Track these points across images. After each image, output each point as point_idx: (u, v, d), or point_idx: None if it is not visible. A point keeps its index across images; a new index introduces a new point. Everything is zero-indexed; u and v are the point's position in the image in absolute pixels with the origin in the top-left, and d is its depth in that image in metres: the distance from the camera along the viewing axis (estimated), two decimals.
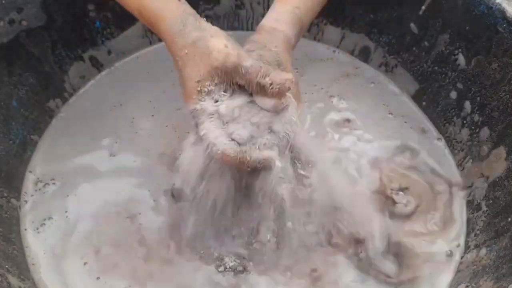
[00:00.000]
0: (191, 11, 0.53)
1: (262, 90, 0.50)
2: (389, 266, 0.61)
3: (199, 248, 0.61)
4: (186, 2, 0.54)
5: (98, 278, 0.59)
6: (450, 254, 0.63)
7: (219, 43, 0.49)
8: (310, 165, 0.60)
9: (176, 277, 0.60)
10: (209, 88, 0.50)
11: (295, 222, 0.63)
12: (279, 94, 0.50)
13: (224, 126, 0.50)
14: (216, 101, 0.51)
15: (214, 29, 0.51)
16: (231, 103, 0.51)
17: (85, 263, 0.60)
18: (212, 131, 0.50)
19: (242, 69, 0.49)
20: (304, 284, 0.60)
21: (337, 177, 0.67)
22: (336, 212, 0.64)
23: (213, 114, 0.50)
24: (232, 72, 0.49)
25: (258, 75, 0.49)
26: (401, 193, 0.67)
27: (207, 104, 0.50)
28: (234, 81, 0.50)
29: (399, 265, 0.61)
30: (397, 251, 0.62)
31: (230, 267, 0.59)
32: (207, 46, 0.49)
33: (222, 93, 0.51)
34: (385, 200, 0.66)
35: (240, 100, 0.51)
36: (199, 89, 0.50)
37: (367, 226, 0.64)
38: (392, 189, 0.67)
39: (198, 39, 0.50)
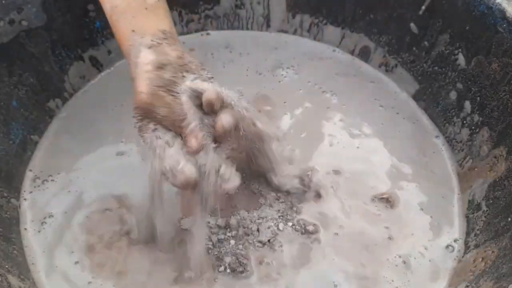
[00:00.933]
0: (137, 41, 0.55)
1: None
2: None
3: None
4: (139, 32, 0.56)
5: (97, 278, 0.59)
6: (449, 254, 0.63)
7: (139, 86, 0.53)
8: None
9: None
10: (139, 124, 0.54)
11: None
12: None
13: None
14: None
15: (142, 67, 0.53)
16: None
17: (85, 263, 0.60)
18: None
19: (156, 114, 0.52)
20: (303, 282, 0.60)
21: None
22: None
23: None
24: (149, 115, 0.53)
25: (172, 123, 0.52)
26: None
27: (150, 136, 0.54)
28: (155, 121, 0.53)
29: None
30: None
31: (230, 267, 0.59)
32: (135, 87, 0.53)
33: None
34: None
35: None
36: (137, 122, 0.54)
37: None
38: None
39: (133, 77, 0.54)
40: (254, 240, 0.61)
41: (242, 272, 0.59)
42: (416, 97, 0.78)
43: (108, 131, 0.72)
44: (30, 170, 0.68)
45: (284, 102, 0.76)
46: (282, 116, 0.75)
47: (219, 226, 0.62)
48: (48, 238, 0.62)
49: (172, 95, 0.52)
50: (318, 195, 0.66)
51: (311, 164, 0.69)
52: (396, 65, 0.79)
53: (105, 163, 0.69)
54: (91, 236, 0.62)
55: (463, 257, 0.63)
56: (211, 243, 0.61)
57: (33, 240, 0.62)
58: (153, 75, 0.52)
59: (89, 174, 0.68)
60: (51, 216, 0.64)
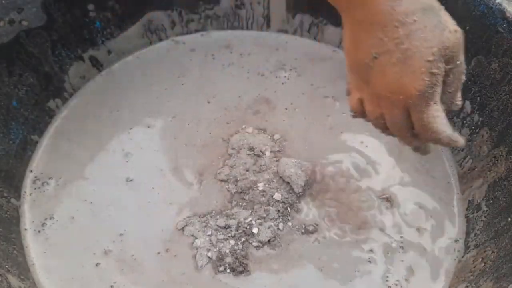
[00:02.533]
0: None
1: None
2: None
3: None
4: None
5: (98, 278, 0.59)
6: (449, 254, 0.63)
7: (450, 21, 0.44)
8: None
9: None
10: (441, 72, 0.44)
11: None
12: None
13: None
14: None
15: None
16: None
17: (85, 263, 0.60)
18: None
19: (457, 61, 0.45)
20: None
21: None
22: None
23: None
24: (450, 59, 0.44)
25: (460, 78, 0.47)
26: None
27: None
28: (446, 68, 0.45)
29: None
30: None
31: (230, 267, 0.59)
32: (440, 21, 0.44)
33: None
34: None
35: None
36: (432, 71, 0.43)
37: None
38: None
39: (428, 8, 0.43)
40: (254, 240, 0.61)
41: (242, 272, 0.59)
42: None
43: (109, 132, 0.72)
44: (31, 171, 0.68)
45: (286, 109, 0.75)
46: (283, 123, 0.74)
47: (219, 226, 0.62)
48: (49, 238, 0.62)
49: None
50: (317, 196, 0.66)
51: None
52: None
53: (107, 171, 0.68)
54: (92, 237, 0.62)
55: (463, 257, 0.63)
56: (211, 243, 0.61)
57: (33, 240, 0.62)
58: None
59: (89, 175, 0.68)
60: (52, 217, 0.64)
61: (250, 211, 0.64)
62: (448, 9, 0.68)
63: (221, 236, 0.61)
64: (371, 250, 0.62)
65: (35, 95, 0.70)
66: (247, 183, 0.65)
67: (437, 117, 0.46)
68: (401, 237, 0.64)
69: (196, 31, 0.85)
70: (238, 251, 0.60)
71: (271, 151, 0.69)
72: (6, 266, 0.55)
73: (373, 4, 0.43)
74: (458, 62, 0.45)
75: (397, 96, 0.45)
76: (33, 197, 0.66)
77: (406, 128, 0.49)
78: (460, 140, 0.48)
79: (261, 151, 0.69)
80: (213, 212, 0.64)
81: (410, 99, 0.45)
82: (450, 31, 0.43)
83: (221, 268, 0.59)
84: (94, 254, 0.61)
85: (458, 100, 0.50)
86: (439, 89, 0.45)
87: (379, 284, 0.60)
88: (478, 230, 0.63)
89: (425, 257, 0.62)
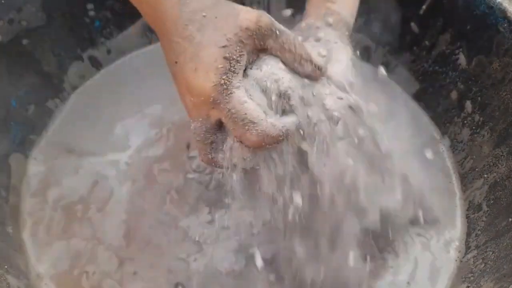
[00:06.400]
0: None
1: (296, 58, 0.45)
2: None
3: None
4: None
5: (98, 279, 0.59)
6: (450, 254, 0.63)
7: (244, 7, 0.44)
8: None
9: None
10: (239, 55, 0.42)
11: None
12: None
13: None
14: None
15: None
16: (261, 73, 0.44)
17: (85, 264, 0.60)
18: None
19: (277, 30, 0.44)
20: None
21: None
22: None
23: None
24: (265, 34, 0.43)
25: (295, 41, 0.45)
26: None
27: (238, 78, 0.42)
28: (265, 45, 0.44)
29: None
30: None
31: (231, 267, 0.59)
32: (233, 7, 0.43)
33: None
34: None
35: (269, 68, 0.45)
36: (227, 55, 0.41)
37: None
38: None
39: (218, 2, 0.43)
40: (254, 240, 0.61)
41: (243, 270, 0.59)
42: (416, 97, 0.77)
43: (109, 132, 0.72)
44: (30, 171, 0.68)
45: None
46: None
47: (219, 225, 0.62)
48: (49, 239, 0.62)
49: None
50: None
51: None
52: (396, 65, 0.79)
53: (107, 166, 0.68)
54: (92, 239, 0.62)
55: (463, 257, 0.63)
56: (213, 240, 0.61)
57: (33, 240, 0.62)
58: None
59: (89, 176, 0.67)
60: (52, 219, 0.64)
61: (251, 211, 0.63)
62: (449, 9, 0.68)
63: (221, 236, 0.61)
64: (371, 250, 0.62)
65: (34, 95, 0.70)
66: None
67: (245, 102, 0.42)
68: (401, 237, 0.63)
69: None
70: (238, 250, 0.60)
71: None
72: (6, 267, 0.55)
73: (163, 14, 0.43)
74: (278, 32, 0.44)
75: (199, 98, 0.43)
76: (33, 198, 0.66)
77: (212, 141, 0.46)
78: (278, 128, 0.43)
79: None
80: (213, 212, 0.64)
81: (210, 95, 0.42)
82: (247, 11, 0.43)
83: (222, 269, 0.59)
84: (92, 253, 0.61)
85: (309, 59, 0.46)
86: (237, 76, 0.42)
87: (381, 285, 0.60)
88: (479, 230, 0.63)
89: (426, 257, 0.62)
